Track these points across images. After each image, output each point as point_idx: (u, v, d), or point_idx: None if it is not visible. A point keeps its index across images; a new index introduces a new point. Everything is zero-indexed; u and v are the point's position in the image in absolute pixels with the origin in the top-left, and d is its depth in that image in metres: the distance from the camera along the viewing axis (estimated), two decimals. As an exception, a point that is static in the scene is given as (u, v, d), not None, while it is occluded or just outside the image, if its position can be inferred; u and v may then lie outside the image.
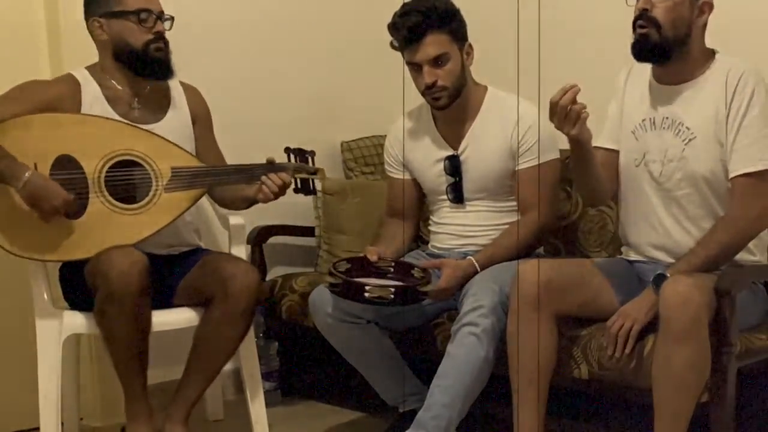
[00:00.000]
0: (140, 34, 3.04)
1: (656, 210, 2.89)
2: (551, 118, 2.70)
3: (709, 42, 2.86)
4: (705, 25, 2.83)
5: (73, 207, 2.89)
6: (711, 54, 2.85)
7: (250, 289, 3.00)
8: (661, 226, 2.89)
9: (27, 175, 2.82)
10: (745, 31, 3.23)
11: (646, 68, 2.93)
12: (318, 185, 3.21)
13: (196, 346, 3.04)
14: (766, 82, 2.78)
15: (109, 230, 2.94)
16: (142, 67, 3.07)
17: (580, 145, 2.78)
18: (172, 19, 3.10)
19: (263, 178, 3.03)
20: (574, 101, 2.65)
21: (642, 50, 2.81)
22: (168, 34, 3.10)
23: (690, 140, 2.82)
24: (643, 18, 2.77)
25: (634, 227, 2.97)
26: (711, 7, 2.81)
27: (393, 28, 3.15)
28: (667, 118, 2.86)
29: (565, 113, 2.66)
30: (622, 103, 2.99)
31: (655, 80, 2.90)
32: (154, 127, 3.09)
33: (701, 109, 2.80)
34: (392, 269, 3.15)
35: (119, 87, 3.10)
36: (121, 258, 2.83)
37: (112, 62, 3.09)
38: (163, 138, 3.04)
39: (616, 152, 2.99)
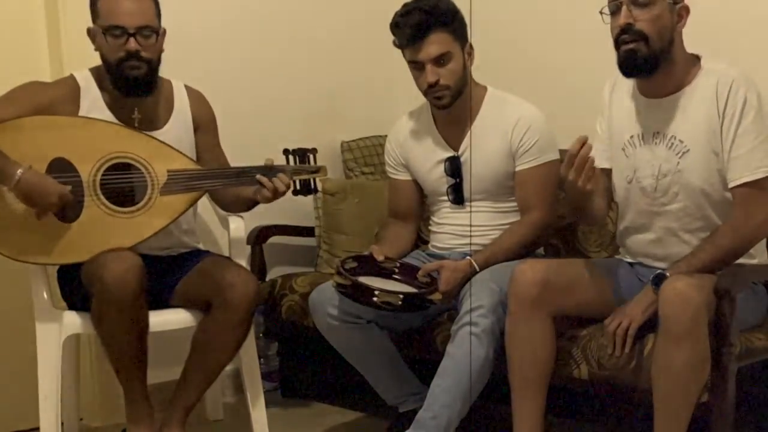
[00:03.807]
0: (113, 50, 2.97)
1: (653, 225, 2.88)
2: (567, 171, 2.62)
3: (695, 47, 2.84)
4: (681, 30, 2.80)
5: (69, 200, 2.88)
6: (695, 60, 2.82)
7: (248, 298, 2.99)
8: (658, 239, 2.88)
9: (20, 172, 2.80)
10: (731, 32, 3.24)
11: (628, 83, 2.89)
12: (318, 184, 3.21)
13: (194, 351, 3.03)
14: (756, 87, 2.75)
15: (104, 233, 2.93)
16: (118, 83, 3.02)
17: (588, 200, 2.75)
18: (156, 33, 3.00)
19: (262, 180, 3.02)
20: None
21: (631, 66, 2.76)
22: (168, 35, 3.06)
23: (684, 153, 2.79)
24: (628, 33, 2.73)
25: (633, 240, 2.95)
26: (688, 11, 2.78)
27: (395, 27, 3.15)
28: (658, 132, 2.83)
29: (583, 165, 2.60)
30: (609, 119, 2.97)
31: (641, 94, 2.87)
32: (155, 133, 3.07)
33: (693, 121, 2.77)
34: (397, 269, 3.15)
35: (117, 92, 3.06)
36: (116, 263, 2.82)
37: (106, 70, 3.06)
38: (159, 141, 3.03)
39: (610, 170, 2.97)
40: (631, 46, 2.73)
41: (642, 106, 2.87)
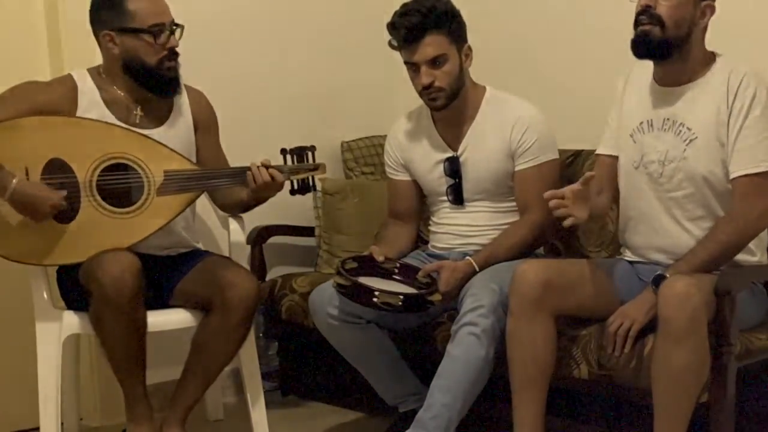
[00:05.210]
0: (154, 51, 2.99)
1: (656, 211, 2.89)
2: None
3: (710, 44, 2.87)
4: (705, 27, 2.83)
5: (63, 208, 2.87)
6: (712, 56, 2.85)
7: (249, 299, 2.98)
8: (661, 227, 2.89)
9: (13, 183, 2.80)
10: (744, 33, 3.24)
11: (644, 73, 2.92)
12: (318, 183, 3.21)
13: (194, 351, 3.03)
14: (767, 84, 2.78)
15: (101, 234, 2.93)
16: (152, 84, 3.03)
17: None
18: (182, 27, 3.04)
19: (252, 169, 2.99)
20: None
21: (642, 47, 2.80)
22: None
23: (691, 141, 2.82)
24: (646, 14, 2.77)
25: (635, 230, 2.96)
26: (713, 10, 2.81)
27: (392, 27, 3.15)
28: (667, 119, 2.86)
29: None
30: (621, 109, 2.99)
31: (656, 82, 2.90)
32: (154, 133, 3.06)
33: (703, 110, 2.80)
34: (397, 270, 3.15)
35: (120, 92, 3.07)
36: (113, 263, 2.82)
37: (120, 72, 3.04)
38: (156, 141, 3.02)
39: (617, 157, 2.99)
40: (646, 28, 2.77)
41: (655, 94, 2.90)
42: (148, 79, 3.03)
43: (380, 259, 3.15)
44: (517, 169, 3.21)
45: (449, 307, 3.12)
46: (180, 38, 3.06)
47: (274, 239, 3.88)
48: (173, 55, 3.02)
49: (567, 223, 2.73)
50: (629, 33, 2.82)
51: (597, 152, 3.08)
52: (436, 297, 3.01)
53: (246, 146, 3.39)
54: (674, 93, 2.86)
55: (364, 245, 3.48)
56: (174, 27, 3.02)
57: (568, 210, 2.71)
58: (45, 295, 3.03)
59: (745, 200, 2.75)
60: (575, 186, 2.74)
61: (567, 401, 3.07)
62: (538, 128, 3.20)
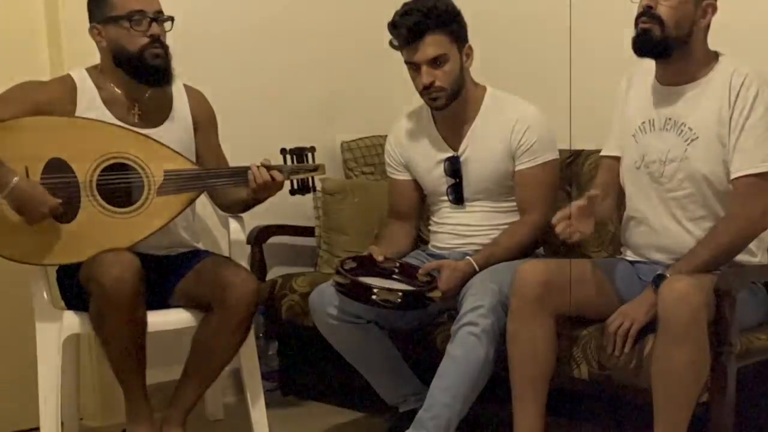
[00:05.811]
0: (135, 38, 2.99)
1: (657, 211, 2.89)
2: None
3: (712, 43, 2.87)
4: (708, 26, 2.83)
5: (60, 212, 2.87)
6: (714, 56, 2.86)
7: (248, 298, 2.98)
8: (662, 227, 2.89)
9: (14, 181, 2.80)
10: (746, 32, 3.24)
11: (647, 72, 2.93)
12: (318, 183, 3.21)
13: (194, 351, 3.03)
14: None
15: (102, 234, 2.93)
16: (139, 73, 3.03)
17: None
18: (171, 19, 3.05)
19: (252, 169, 3.00)
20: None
21: (642, 45, 2.81)
22: (168, 34, 3.07)
23: (692, 140, 2.82)
24: (646, 14, 2.78)
25: (636, 230, 2.97)
26: (715, 9, 2.82)
27: (393, 27, 3.15)
28: (669, 118, 2.86)
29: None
30: (623, 110, 2.99)
31: (658, 81, 2.91)
32: (153, 132, 3.06)
33: (704, 110, 2.81)
34: (397, 270, 3.15)
35: (118, 90, 3.07)
36: (113, 263, 2.82)
37: (113, 67, 3.05)
38: (156, 141, 3.02)
39: (620, 158, 3.00)
40: (645, 26, 2.79)
41: (658, 94, 2.91)
42: (135, 69, 3.03)
43: (380, 258, 3.15)
44: (517, 168, 3.21)
45: (449, 307, 3.13)
46: (170, 30, 3.06)
47: (274, 239, 3.88)
48: (156, 42, 3.01)
49: (574, 239, 2.74)
50: (629, 32, 2.83)
51: (602, 154, 3.09)
52: (436, 294, 3.01)
53: (246, 146, 3.39)
54: (676, 92, 2.87)
55: (364, 245, 3.48)
56: (160, 17, 3.02)
57: (573, 228, 2.72)
58: (45, 295, 3.03)
59: (746, 200, 2.75)
60: (580, 202, 2.75)
61: (567, 401, 3.07)
62: (538, 128, 3.20)
